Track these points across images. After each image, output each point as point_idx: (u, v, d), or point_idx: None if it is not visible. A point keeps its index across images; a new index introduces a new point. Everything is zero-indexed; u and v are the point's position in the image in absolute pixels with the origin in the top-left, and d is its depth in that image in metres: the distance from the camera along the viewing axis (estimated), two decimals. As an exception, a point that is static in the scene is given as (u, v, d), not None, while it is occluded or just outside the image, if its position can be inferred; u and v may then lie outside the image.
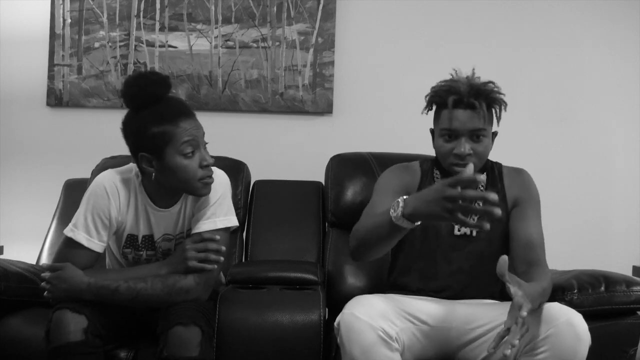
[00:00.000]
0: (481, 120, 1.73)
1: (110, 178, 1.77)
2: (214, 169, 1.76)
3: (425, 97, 1.82)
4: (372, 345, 1.51)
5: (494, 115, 1.78)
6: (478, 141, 1.75)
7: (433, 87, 1.81)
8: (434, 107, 1.82)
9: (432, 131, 1.86)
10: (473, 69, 1.80)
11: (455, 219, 1.32)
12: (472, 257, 1.78)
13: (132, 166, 1.81)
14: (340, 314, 1.59)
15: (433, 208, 1.35)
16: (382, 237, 1.54)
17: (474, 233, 1.80)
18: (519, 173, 1.90)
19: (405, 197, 1.45)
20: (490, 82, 1.77)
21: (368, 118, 2.80)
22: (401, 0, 2.81)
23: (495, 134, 1.83)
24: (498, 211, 1.29)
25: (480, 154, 1.76)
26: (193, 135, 1.69)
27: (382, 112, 2.80)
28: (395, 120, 2.78)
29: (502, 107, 1.78)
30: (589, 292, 1.79)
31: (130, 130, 1.71)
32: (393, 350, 1.54)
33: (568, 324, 1.50)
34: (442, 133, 1.77)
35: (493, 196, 1.29)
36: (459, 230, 1.80)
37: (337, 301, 1.99)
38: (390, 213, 1.45)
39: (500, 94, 1.77)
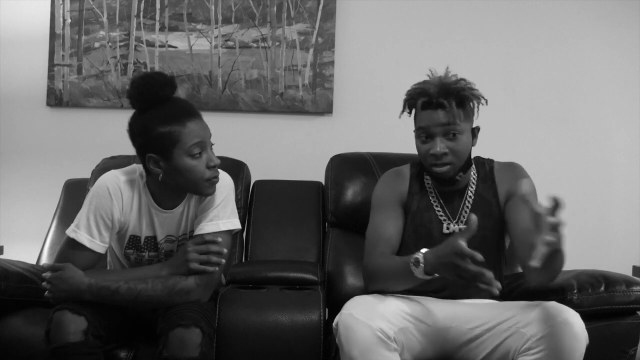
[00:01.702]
0: (452, 118, 1.74)
1: (113, 179, 1.77)
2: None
3: (404, 101, 1.85)
4: (370, 346, 1.51)
5: (470, 111, 1.79)
6: (454, 139, 1.76)
7: (408, 91, 1.85)
8: (413, 111, 1.85)
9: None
10: (447, 68, 1.81)
11: (467, 284, 1.46)
12: None
13: (137, 167, 1.81)
14: (339, 314, 1.59)
15: (449, 272, 1.49)
16: (405, 284, 1.67)
17: None
18: (510, 166, 1.90)
19: (423, 252, 1.56)
20: (461, 79, 1.78)
21: (368, 118, 2.80)
22: (401, 0, 2.81)
23: (476, 130, 1.84)
24: (496, 291, 1.42)
25: (458, 152, 1.77)
26: (201, 137, 1.69)
27: (382, 112, 2.80)
28: (395, 120, 2.76)
29: (476, 103, 1.79)
30: (589, 292, 1.78)
31: (137, 131, 1.71)
32: (391, 350, 1.54)
33: (565, 323, 1.50)
34: (419, 134, 1.81)
35: (489, 275, 1.41)
36: (447, 229, 1.82)
37: (337, 301, 1.99)
38: (412, 269, 1.57)
39: (473, 89, 1.78)
